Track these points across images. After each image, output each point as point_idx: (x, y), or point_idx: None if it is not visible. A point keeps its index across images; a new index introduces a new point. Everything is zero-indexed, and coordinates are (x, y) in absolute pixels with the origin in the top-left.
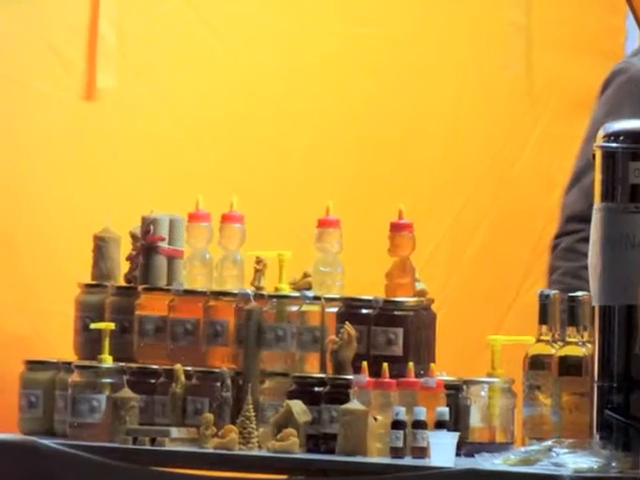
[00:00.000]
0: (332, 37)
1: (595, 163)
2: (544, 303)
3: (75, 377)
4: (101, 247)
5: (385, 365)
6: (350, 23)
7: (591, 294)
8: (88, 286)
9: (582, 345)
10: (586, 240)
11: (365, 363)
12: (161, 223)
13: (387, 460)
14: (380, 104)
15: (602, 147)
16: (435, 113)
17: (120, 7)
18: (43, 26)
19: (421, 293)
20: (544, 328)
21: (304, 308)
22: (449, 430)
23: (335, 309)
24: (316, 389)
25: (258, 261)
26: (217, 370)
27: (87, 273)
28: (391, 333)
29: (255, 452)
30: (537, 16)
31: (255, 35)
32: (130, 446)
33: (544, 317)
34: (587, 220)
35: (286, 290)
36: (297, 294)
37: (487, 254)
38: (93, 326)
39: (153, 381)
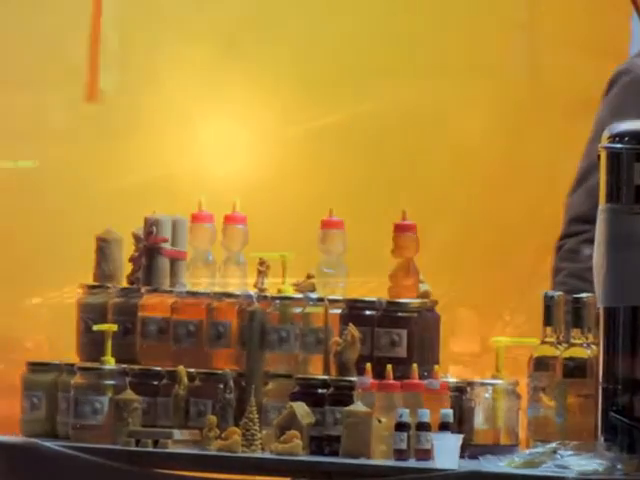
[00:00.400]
0: (334, 36)
1: (600, 164)
2: (548, 305)
3: (77, 379)
4: (103, 248)
5: (389, 367)
6: (351, 23)
7: (596, 295)
8: (90, 287)
9: (587, 347)
10: (590, 241)
11: (369, 365)
12: (164, 224)
13: (391, 462)
14: (382, 104)
15: (607, 148)
16: (438, 113)
17: (122, 8)
18: (45, 27)
19: (425, 294)
20: (548, 330)
21: (307, 309)
22: (453, 432)
23: (339, 310)
24: (319, 391)
25: (261, 262)
26: (220, 372)
27: (89, 274)
28: (395, 335)
29: (258, 454)
30: (541, 16)
31: (256, 35)
32: (132, 448)
33: (548, 319)
34: (591, 221)
35: (289, 291)
36: (300, 295)
37: (491, 255)
38: (95, 328)
39: (156, 383)
